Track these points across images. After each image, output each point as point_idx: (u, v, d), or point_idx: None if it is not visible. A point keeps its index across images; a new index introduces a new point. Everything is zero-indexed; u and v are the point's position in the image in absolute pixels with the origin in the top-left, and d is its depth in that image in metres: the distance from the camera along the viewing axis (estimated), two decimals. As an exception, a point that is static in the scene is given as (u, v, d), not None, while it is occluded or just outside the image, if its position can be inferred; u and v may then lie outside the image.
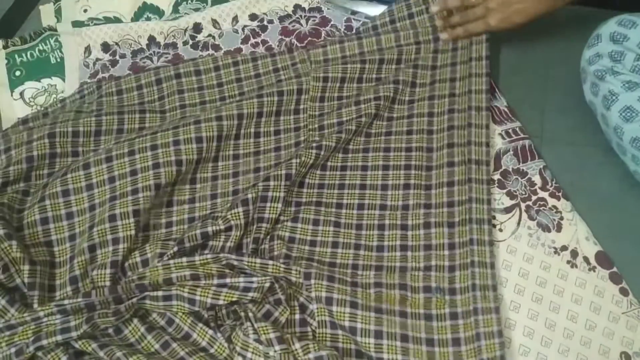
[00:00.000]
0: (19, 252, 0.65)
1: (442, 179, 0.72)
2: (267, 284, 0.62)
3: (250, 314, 0.62)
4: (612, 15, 0.70)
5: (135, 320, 0.64)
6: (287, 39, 0.90)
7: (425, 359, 0.61)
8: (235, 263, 0.66)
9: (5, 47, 0.90)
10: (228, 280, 0.63)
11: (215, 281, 0.63)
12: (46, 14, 0.96)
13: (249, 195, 0.70)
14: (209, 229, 0.68)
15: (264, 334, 0.59)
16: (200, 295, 0.62)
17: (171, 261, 0.66)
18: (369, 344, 0.62)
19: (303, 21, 0.91)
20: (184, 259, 0.66)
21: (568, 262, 0.68)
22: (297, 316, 0.64)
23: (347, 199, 0.74)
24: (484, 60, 0.79)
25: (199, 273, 0.64)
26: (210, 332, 0.62)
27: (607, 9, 0.83)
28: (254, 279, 0.62)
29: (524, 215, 0.71)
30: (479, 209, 0.69)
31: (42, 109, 0.84)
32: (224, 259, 0.66)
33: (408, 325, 0.63)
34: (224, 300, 0.61)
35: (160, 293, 0.63)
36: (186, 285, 0.63)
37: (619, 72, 0.67)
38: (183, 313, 0.64)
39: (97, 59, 0.89)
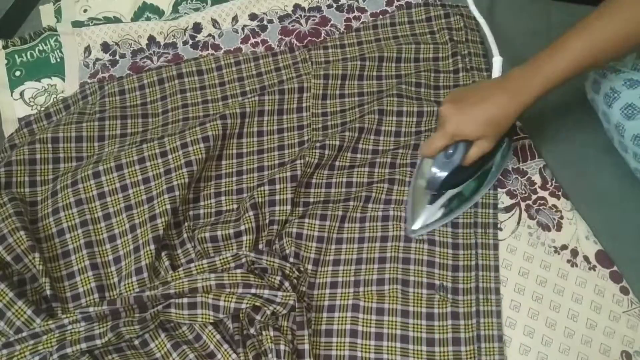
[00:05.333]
0: (41, 266, 0.65)
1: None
2: (291, 302, 0.62)
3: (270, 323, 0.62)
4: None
5: (163, 335, 0.63)
6: (287, 39, 0.89)
7: (425, 359, 0.61)
8: (255, 260, 0.66)
9: (5, 47, 0.90)
10: (253, 290, 0.62)
11: (240, 290, 0.62)
12: (46, 14, 0.96)
13: (258, 199, 0.71)
14: (219, 232, 0.69)
15: (273, 343, 0.60)
16: (224, 301, 0.61)
17: (192, 264, 0.66)
18: (369, 346, 0.62)
19: (303, 21, 0.91)
20: (205, 261, 0.66)
21: (568, 261, 0.68)
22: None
23: (355, 194, 0.73)
24: (484, 72, 0.81)
25: (225, 282, 0.63)
26: (234, 355, 0.61)
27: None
28: (279, 293, 0.62)
29: (524, 214, 0.71)
30: (484, 213, 0.70)
31: (44, 109, 0.84)
32: (244, 257, 0.65)
33: (409, 325, 0.63)
34: (247, 303, 0.61)
35: (185, 300, 0.62)
36: (211, 292, 0.63)
37: (621, 70, 0.67)
38: (210, 331, 0.63)
39: (97, 59, 0.89)
